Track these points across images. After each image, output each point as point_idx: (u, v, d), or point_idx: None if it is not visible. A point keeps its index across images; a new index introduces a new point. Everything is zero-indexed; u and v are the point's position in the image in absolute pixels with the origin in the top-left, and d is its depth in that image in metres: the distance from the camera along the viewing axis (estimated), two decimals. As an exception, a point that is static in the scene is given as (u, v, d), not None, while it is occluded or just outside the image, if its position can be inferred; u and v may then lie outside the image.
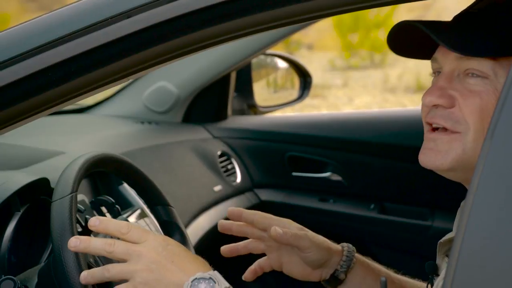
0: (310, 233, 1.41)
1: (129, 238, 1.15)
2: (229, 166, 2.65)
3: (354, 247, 1.44)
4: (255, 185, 2.71)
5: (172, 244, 1.16)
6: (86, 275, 1.16)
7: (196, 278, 1.10)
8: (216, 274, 1.12)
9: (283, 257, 1.42)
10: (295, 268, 1.42)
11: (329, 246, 1.42)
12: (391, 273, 1.44)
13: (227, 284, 1.12)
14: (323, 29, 11.64)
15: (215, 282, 1.10)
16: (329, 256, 1.41)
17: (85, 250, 1.17)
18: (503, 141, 0.89)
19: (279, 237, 1.37)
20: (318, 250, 1.39)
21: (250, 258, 1.46)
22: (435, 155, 1.17)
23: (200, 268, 1.13)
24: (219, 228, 1.43)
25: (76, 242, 1.16)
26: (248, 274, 1.44)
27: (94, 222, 1.17)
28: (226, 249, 1.43)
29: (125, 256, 1.14)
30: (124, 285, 1.13)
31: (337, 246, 1.43)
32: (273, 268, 1.44)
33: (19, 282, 1.26)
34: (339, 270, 1.41)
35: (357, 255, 1.43)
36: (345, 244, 1.44)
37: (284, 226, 1.39)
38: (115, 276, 1.14)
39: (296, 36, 10.73)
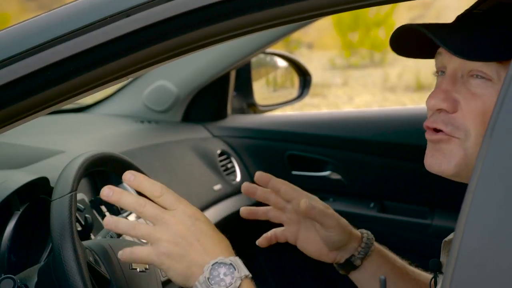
0: (336, 213, 1.41)
1: (160, 202, 1.14)
2: (229, 165, 2.65)
3: (373, 235, 1.44)
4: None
5: (201, 219, 1.15)
6: (111, 221, 1.14)
7: (217, 262, 1.10)
8: (237, 261, 1.12)
9: (301, 232, 1.42)
10: (310, 245, 1.41)
11: (351, 230, 1.42)
12: (406, 264, 1.45)
13: (247, 272, 1.11)
14: (323, 27, 11.64)
15: (235, 269, 1.10)
16: (349, 240, 1.41)
17: (116, 202, 1.15)
18: (502, 140, 0.89)
19: (308, 210, 1.36)
20: (341, 231, 1.40)
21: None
22: (441, 160, 1.16)
23: (224, 252, 1.12)
24: (242, 190, 1.42)
25: (109, 193, 1.14)
26: (262, 240, 1.43)
27: (129, 177, 1.15)
28: (245, 211, 1.42)
29: (153, 220, 1.13)
30: (147, 249, 1.13)
31: (357, 232, 1.43)
32: (288, 241, 1.43)
33: (18, 281, 1.26)
34: (356, 256, 1.41)
35: (375, 243, 1.43)
36: (364, 230, 1.44)
37: (313, 202, 1.38)
38: (139, 236, 1.14)
39: (296, 35, 10.73)
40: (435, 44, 1.15)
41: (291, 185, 1.41)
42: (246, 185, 1.41)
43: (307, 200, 1.37)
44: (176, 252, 1.11)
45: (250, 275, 1.12)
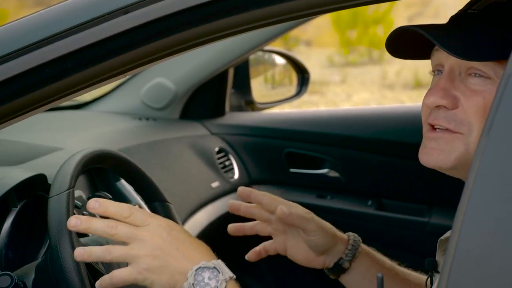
0: (317, 217, 1.41)
1: (131, 222, 1.13)
2: (227, 163, 2.64)
3: (359, 237, 1.44)
4: (253, 182, 2.70)
5: (176, 229, 1.14)
6: (82, 253, 1.12)
7: (200, 267, 1.10)
8: (220, 263, 1.11)
9: (289, 241, 1.42)
10: (299, 253, 1.42)
11: (334, 233, 1.42)
12: (395, 265, 1.45)
13: (231, 274, 1.11)
14: (322, 25, 11.63)
15: (219, 272, 1.10)
16: (334, 243, 1.41)
17: (85, 231, 1.13)
18: (499, 138, 0.89)
19: (285, 217, 1.37)
20: (323, 234, 1.40)
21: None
22: (438, 155, 1.16)
23: (205, 256, 1.12)
24: (228, 208, 1.43)
25: (77, 222, 1.12)
26: (252, 254, 1.44)
27: (94, 204, 1.13)
28: (232, 228, 1.43)
29: (128, 240, 1.11)
30: (127, 269, 1.11)
31: (342, 235, 1.44)
32: (278, 252, 1.44)
33: (16, 277, 1.26)
34: (343, 259, 1.41)
35: (363, 245, 1.44)
36: (351, 233, 1.45)
37: (291, 209, 1.39)
38: (116, 259, 1.12)
39: (295, 32, 10.72)
40: (430, 44, 1.15)
41: (272, 195, 1.42)
42: (230, 202, 1.42)
43: (283, 207, 1.38)
44: (156, 265, 1.10)
45: (234, 277, 1.12)
